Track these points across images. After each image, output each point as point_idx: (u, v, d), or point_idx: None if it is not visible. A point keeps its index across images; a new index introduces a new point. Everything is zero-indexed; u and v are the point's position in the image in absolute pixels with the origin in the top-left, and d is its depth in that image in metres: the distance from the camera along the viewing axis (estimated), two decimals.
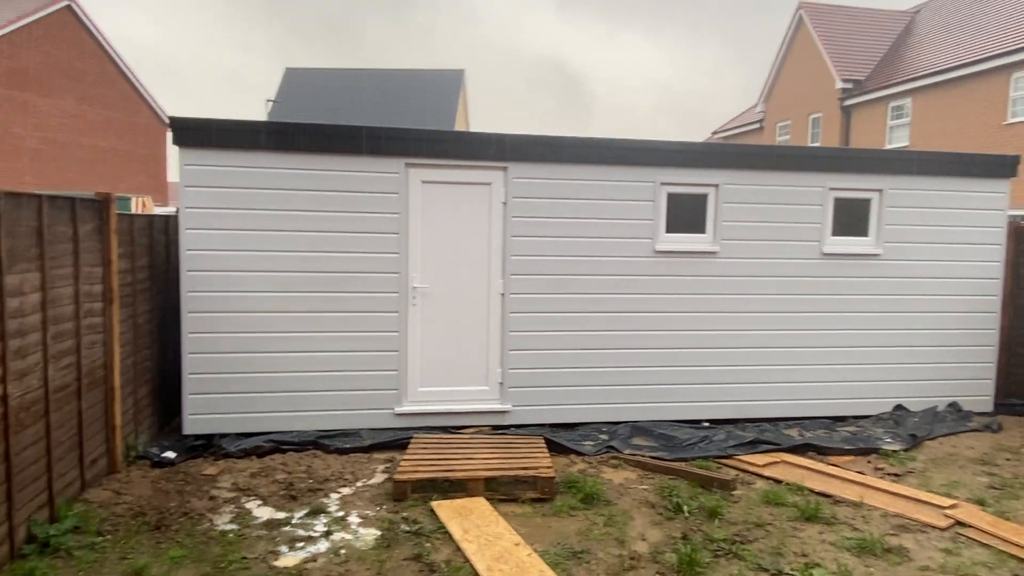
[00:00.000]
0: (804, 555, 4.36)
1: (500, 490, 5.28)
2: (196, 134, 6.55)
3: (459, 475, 5.21)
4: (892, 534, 4.76)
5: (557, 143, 7.18)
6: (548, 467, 5.35)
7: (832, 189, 7.72)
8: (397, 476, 5.22)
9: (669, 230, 7.48)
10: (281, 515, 4.92)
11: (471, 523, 4.63)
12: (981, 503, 5.34)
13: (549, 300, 7.24)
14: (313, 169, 6.72)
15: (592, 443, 6.76)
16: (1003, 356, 8.83)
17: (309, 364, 6.83)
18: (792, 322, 7.72)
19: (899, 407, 7.98)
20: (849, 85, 23.27)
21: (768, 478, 5.84)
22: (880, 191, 7.82)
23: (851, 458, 6.49)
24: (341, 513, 4.94)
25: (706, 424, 7.56)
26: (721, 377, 7.63)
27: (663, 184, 7.39)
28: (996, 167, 8.09)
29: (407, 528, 4.65)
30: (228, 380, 6.71)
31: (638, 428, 7.19)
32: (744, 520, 4.88)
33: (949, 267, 8.00)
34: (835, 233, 7.80)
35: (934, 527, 4.88)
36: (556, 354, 7.30)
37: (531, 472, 5.24)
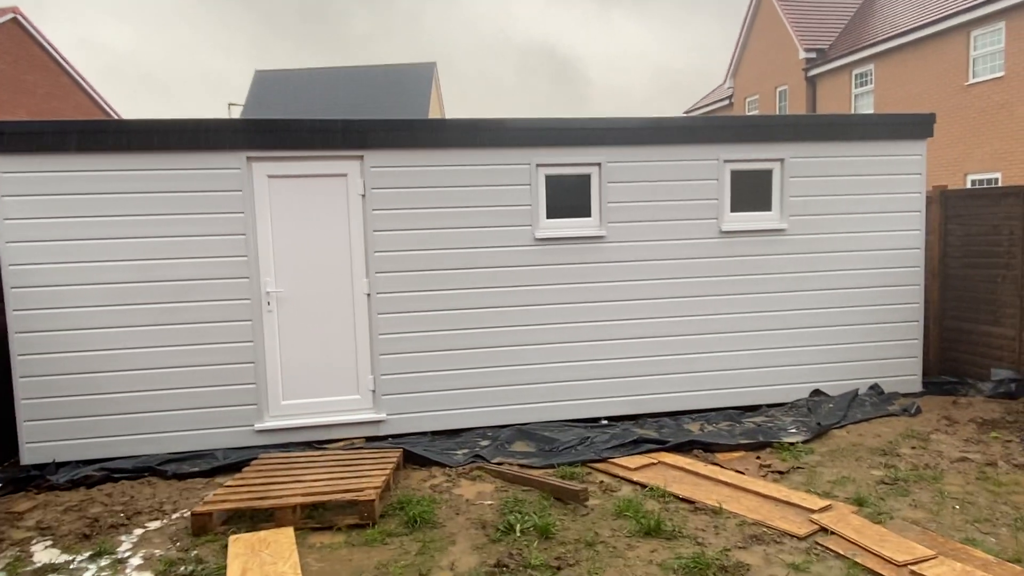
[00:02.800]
0: None
1: (319, 517, 4.73)
2: (11, 139, 5.99)
3: (269, 503, 4.66)
4: (741, 546, 4.19)
5: (416, 127, 6.60)
6: (375, 488, 4.79)
7: (727, 161, 7.11)
8: (197, 508, 4.67)
9: (550, 215, 6.90)
10: (62, 559, 4.38)
11: (258, 561, 4.08)
12: (861, 503, 4.77)
13: (421, 298, 6.68)
14: (144, 169, 6.16)
15: (466, 452, 6.21)
16: (935, 331, 8.24)
17: (155, 382, 6.28)
18: (692, 307, 7.13)
19: (817, 392, 7.40)
20: (813, 55, 22.56)
21: (636, 483, 5.28)
22: (781, 160, 7.21)
23: (740, 454, 5.92)
24: (128, 554, 4.40)
25: (604, 422, 7.00)
26: (617, 371, 7.05)
27: (540, 166, 6.80)
28: (909, 128, 7.47)
29: (186, 570, 4.11)
30: (67, 404, 6.18)
31: (523, 431, 6.63)
32: (577, 539, 4.32)
33: (863, 239, 7.39)
34: (734, 209, 7.20)
35: (793, 536, 4.31)
36: (433, 356, 6.74)
37: (351, 496, 4.68)
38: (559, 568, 3.95)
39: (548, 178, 6.86)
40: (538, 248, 6.84)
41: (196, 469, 5.95)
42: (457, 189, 6.67)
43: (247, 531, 4.58)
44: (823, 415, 6.86)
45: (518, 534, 4.40)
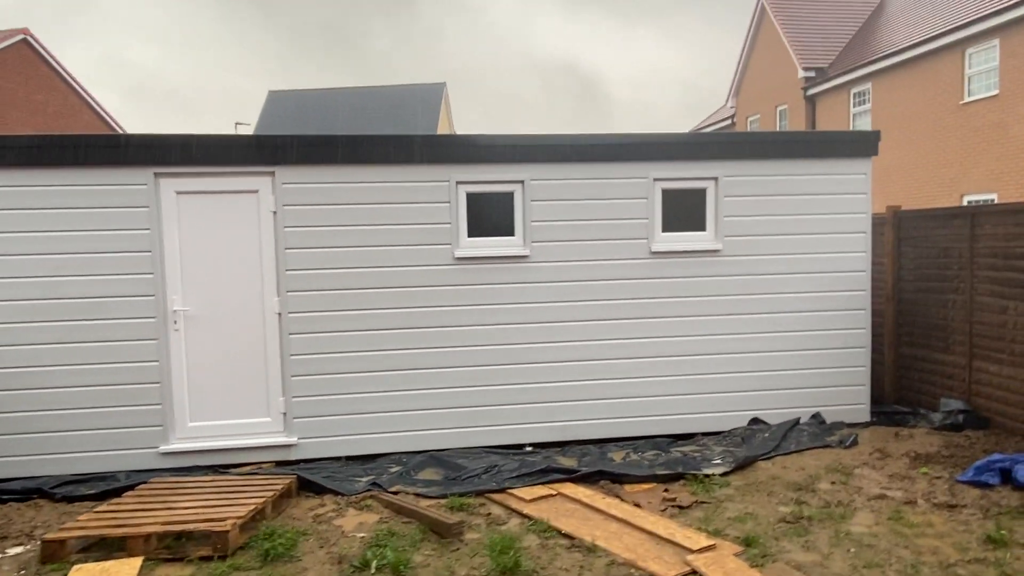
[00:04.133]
0: None
1: (176, 547, 4.53)
2: None
3: (123, 531, 4.47)
4: None
5: (330, 143, 6.46)
6: (237, 518, 4.58)
7: (658, 180, 6.87)
8: (48, 535, 4.50)
9: (472, 234, 6.70)
10: None
11: None
12: (750, 543, 4.45)
13: (335, 318, 6.49)
14: (50, 185, 6.08)
15: (371, 479, 5.96)
16: (891, 357, 7.87)
17: (59, 401, 6.14)
18: (621, 331, 6.86)
19: (755, 421, 7.07)
20: (812, 73, 22.23)
21: (526, 516, 5.01)
22: (715, 179, 6.95)
23: (650, 486, 5.62)
24: None
25: (529, 448, 6.74)
26: (542, 396, 6.79)
27: (460, 183, 6.62)
28: (853, 146, 7.17)
29: None
30: None
31: (436, 458, 6.38)
32: None
33: (804, 261, 7.08)
34: (666, 229, 6.94)
35: None
36: (347, 378, 6.54)
37: (206, 526, 4.48)
38: None
39: (469, 196, 6.67)
40: (458, 268, 6.64)
41: (92, 492, 5.79)
42: (373, 206, 6.51)
43: (101, 560, 4.39)
44: (756, 445, 6.52)
45: (372, 571, 4.16)
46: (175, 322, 6.32)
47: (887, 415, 7.37)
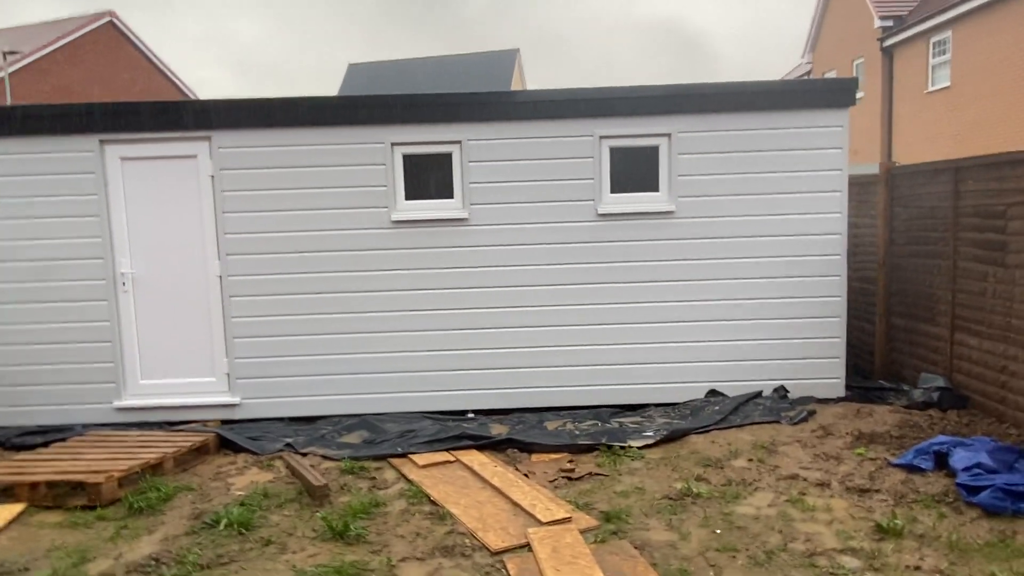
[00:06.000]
0: None
1: (61, 497, 4.74)
2: None
3: (12, 479, 4.73)
4: (419, 558, 3.79)
5: (264, 106, 6.47)
6: (118, 472, 4.75)
7: (604, 138, 6.50)
8: None
9: (409, 196, 6.59)
10: None
11: None
12: (609, 518, 4.20)
13: (274, 281, 6.57)
14: (2, 154, 6.41)
15: (294, 439, 6.04)
16: (881, 328, 7.23)
17: (17, 358, 6.55)
18: (566, 296, 6.60)
19: (713, 392, 6.67)
20: (889, 23, 20.44)
21: (410, 480, 4.94)
22: (668, 135, 6.50)
23: (559, 455, 5.40)
24: None
25: (471, 415, 6.65)
26: (485, 363, 6.65)
27: (395, 144, 6.50)
28: (825, 95, 6.53)
29: None
30: None
31: (367, 421, 6.39)
32: (261, 537, 4.07)
33: (769, 223, 6.55)
34: (616, 190, 6.58)
35: (486, 550, 3.85)
36: (289, 341, 6.62)
37: (82, 477, 4.66)
38: (206, 567, 3.74)
39: (406, 157, 6.54)
40: (396, 231, 6.55)
41: (38, 442, 6.16)
42: (310, 169, 6.50)
43: None
44: (703, 418, 6.15)
45: (221, 528, 4.21)
46: (123, 284, 6.57)
47: (866, 391, 6.78)
